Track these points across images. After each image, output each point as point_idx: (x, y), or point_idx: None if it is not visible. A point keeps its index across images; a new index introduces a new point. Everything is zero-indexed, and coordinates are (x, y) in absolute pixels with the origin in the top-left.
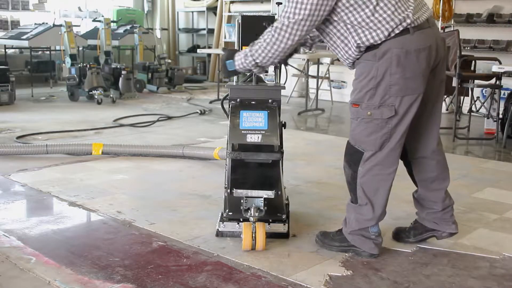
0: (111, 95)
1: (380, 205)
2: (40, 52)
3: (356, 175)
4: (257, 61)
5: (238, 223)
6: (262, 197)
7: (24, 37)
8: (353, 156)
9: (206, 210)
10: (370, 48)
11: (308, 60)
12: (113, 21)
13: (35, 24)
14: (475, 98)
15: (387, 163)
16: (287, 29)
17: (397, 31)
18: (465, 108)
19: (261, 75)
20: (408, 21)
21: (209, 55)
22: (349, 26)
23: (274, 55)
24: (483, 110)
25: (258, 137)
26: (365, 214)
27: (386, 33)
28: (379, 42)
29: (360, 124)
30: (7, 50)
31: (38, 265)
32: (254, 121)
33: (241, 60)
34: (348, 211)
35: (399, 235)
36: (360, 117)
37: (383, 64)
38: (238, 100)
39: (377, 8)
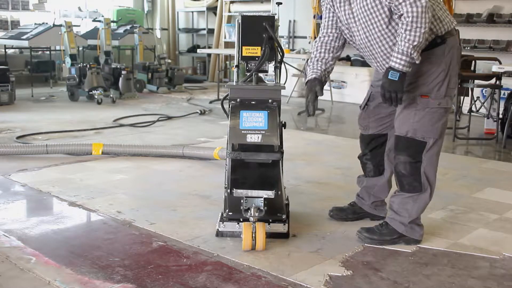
0: (111, 95)
1: (434, 188)
2: (40, 52)
3: (419, 164)
4: (415, 43)
5: (238, 223)
6: (262, 197)
7: (24, 37)
8: (416, 148)
9: (206, 210)
10: (436, 43)
11: (308, 60)
12: (113, 21)
13: (35, 24)
14: (475, 98)
15: (440, 149)
16: (423, 4)
17: (451, 28)
18: (465, 108)
19: (261, 75)
20: (455, 21)
21: (209, 55)
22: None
23: (424, 28)
24: (483, 110)
25: (258, 137)
26: (426, 199)
27: (448, 26)
28: (443, 33)
29: (427, 114)
30: (7, 50)
31: (38, 265)
32: (254, 121)
33: (399, 60)
34: (404, 203)
35: (338, 214)
36: (429, 107)
37: (448, 59)
38: (238, 100)
39: (439, 4)
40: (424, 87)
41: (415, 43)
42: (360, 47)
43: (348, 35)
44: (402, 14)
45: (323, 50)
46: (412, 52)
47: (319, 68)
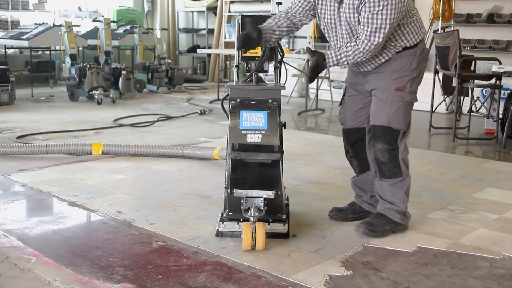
0: (111, 95)
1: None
2: (40, 52)
3: (397, 151)
4: (349, 61)
5: (238, 223)
6: (262, 197)
7: (24, 37)
8: (392, 135)
9: (206, 210)
10: (408, 47)
11: (308, 60)
12: (113, 21)
13: (35, 24)
14: (475, 98)
15: (409, 139)
16: (375, 44)
17: (422, 38)
18: (465, 108)
19: (261, 75)
20: (425, 32)
21: (209, 55)
22: (401, 29)
23: (361, 59)
24: (483, 110)
25: (258, 137)
26: (409, 183)
27: (421, 36)
28: (415, 43)
29: (401, 107)
30: (7, 50)
31: (38, 265)
32: (254, 121)
33: (332, 59)
34: (395, 192)
35: (338, 214)
36: (403, 100)
37: (420, 60)
38: (238, 100)
39: (415, 15)
40: (399, 81)
41: (349, 61)
42: (336, 45)
43: (326, 31)
44: (358, 36)
45: (282, 17)
46: (343, 62)
47: (270, 25)
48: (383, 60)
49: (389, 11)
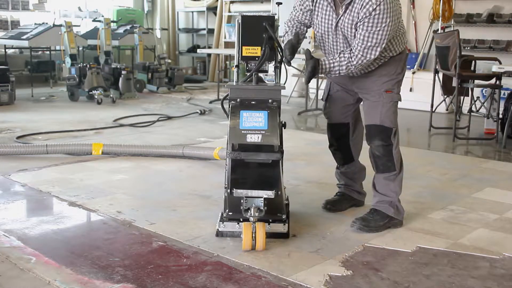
0: (111, 95)
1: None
2: (40, 52)
3: (391, 147)
4: (341, 72)
5: (238, 223)
6: (262, 197)
7: (24, 37)
8: (386, 133)
9: (206, 210)
10: (394, 55)
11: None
12: (113, 21)
13: (35, 24)
14: (475, 98)
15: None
16: (367, 59)
17: (405, 45)
18: (465, 108)
19: (261, 75)
20: (407, 40)
21: (209, 55)
22: (390, 41)
23: (352, 71)
24: (483, 110)
25: (258, 137)
26: (402, 178)
27: (405, 44)
28: (401, 51)
29: (391, 106)
30: (7, 50)
31: (38, 265)
32: (254, 121)
33: (326, 66)
34: (386, 185)
35: (333, 207)
36: (393, 100)
37: (403, 64)
38: (238, 100)
39: (400, 27)
40: (387, 84)
41: (341, 72)
42: (329, 50)
43: (319, 36)
44: (352, 49)
45: (296, 25)
46: (335, 72)
47: (296, 33)
48: (372, 68)
49: (385, 31)
